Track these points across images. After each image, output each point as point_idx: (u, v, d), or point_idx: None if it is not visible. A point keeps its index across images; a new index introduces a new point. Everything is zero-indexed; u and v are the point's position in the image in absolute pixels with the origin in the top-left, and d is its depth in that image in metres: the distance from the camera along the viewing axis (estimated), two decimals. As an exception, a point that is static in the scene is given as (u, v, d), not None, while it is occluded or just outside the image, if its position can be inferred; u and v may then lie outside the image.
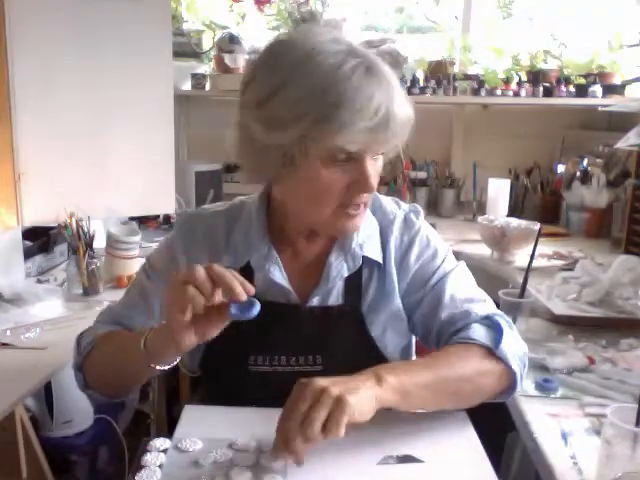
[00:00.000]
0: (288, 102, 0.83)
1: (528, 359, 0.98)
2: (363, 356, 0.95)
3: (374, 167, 0.89)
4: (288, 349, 0.99)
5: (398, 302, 1.02)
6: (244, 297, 0.78)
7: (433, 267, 1.03)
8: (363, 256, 1.00)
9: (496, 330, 0.93)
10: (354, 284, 1.01)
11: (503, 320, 0.97)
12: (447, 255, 1.05)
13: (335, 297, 1.01)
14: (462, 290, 1.02)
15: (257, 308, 0.79)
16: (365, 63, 0.85)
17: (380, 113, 0.83)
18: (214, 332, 0.81)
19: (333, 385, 0.74)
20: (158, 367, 0.86)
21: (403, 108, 0.86)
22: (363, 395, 0.76)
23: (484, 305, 1.01)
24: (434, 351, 0.95)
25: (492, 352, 0.89)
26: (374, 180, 0.88)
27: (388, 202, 1.08)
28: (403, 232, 1.04)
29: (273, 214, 1.01)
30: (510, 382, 0.91)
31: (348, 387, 0.75)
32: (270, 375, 0.98)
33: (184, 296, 0.76)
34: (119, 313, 1.06)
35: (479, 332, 0.93)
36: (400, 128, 0.86)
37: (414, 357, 1.10)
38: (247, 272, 0.97)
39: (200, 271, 0.77)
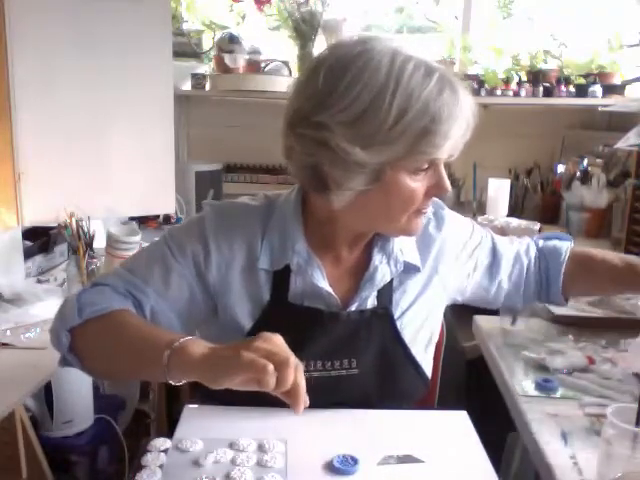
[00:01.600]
0: (387, 120, 0.81)
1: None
2: (395, 356, 1.00)
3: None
4: (325, 354, 0.97)
5: (434, 302, 1.06)
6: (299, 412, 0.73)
7: (483, 242, 1.14)
8: (404, 261, 1.01)
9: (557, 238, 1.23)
10: (386, 287, 1.01)
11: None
12: (475, 225, 1.17)
13: (370, 300, 1.00)
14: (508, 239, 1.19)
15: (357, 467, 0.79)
16: (443, 74, 0.87)
17: (468, 123, 0.89)
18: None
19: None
20: (172, 382, 0.77)
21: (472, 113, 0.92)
22: None
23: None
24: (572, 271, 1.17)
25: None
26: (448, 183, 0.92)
27: None
28: (438, 231, 1.08)
29: (310, 218, 0.97)
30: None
31: None
32: (306, 381, 0.97)
33: (265, 375, 0.69)
34: (134, 284, 0.94)
35: (560, 244, 1.21)
36: (470, 133, 0.93)
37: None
38: (283, 276, 0.96)
39: (290, 372, 0.71)
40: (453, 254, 1.08)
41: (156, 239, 1.01)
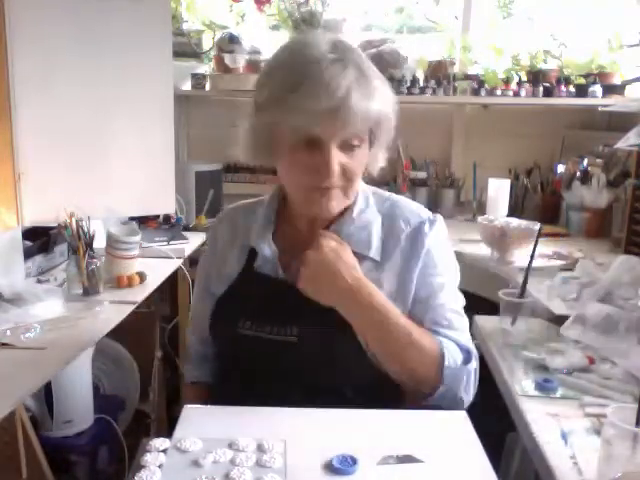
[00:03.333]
0: (264, 89, 0.98)
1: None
2: (335, 330, 1.00)
3: (344, 157, 0.96)
4: (271, 318, 1.04)
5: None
6: None
7: (432, 281, 1.06)
8: (353, 251, 1.02)
9: (465, 362, 1.02)
10: None
11: (475, 363, 1.04)
12: (450, 274, 1.09)
13: None
14: (450, 308, 1.07)
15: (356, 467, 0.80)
16: (335, 56, 0.93)
17: (338, 95, 0.90)
18: None
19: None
20: None
21: (371, 97, 0.94)
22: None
23: (462, 330, 1.07)
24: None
25: (441, 368, 0.98)
26: (335, 167, 0.95)
27: (410, 209, 1.11)
28: (412, 242, 1.07)
29: (283, 201, 1.13)
30: (425, 395, 1.00)
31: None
32: (255, 340, 1.04)
33: None
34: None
35: (453, 349, 1.01)
36: (365, 115, 0.93)
37: None
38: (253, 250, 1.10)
39: None
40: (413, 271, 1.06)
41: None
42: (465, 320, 1.09)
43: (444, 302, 1.06)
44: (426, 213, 1.11)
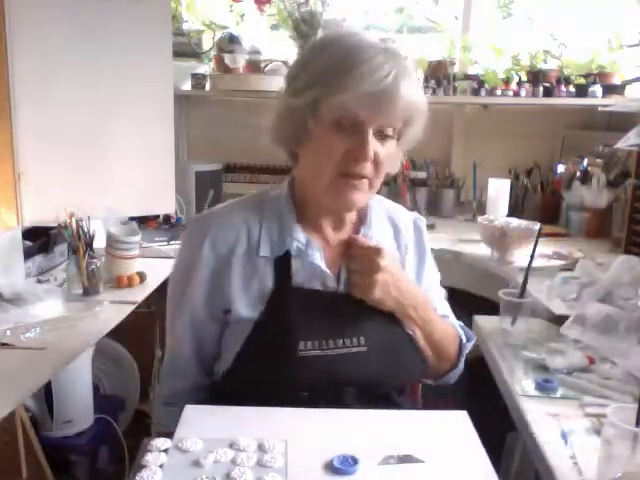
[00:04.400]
0: (309, 72, 0.96)
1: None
2: (394, 335, 1.04)
3: (379, 145, 0.95)
4: (333, 332, 1.00)
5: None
6: None
7: (432, 274, 1.18)
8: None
9: (468, 340, 1.16)
10: None
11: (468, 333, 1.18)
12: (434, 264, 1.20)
13: None
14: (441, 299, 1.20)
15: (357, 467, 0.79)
16: (383, 46, 0.95)
17: (387, 81, 0.90)
18: None
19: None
20: None
21: (413, 89, 0.95)
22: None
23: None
24: None
25: (461, 349, 1.13)
26: (372, 150, 0.94)
27: (399, 209, 1.17)
28: (417, 240, 1.15)
29: (299, 207, 1.05)
30: (447, 372, 1.14)
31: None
32: (321, 358, 0.99)
33: None
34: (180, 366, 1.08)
35: (460, 331, 1.16)
36: (406, 106, 0.93)
37: None
38: (284, 262, 1.01)
39: None
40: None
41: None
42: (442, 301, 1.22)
43: (440, 293, 1.20)
44: (412, 213, 1.19)
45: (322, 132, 0.95)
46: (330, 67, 0.93)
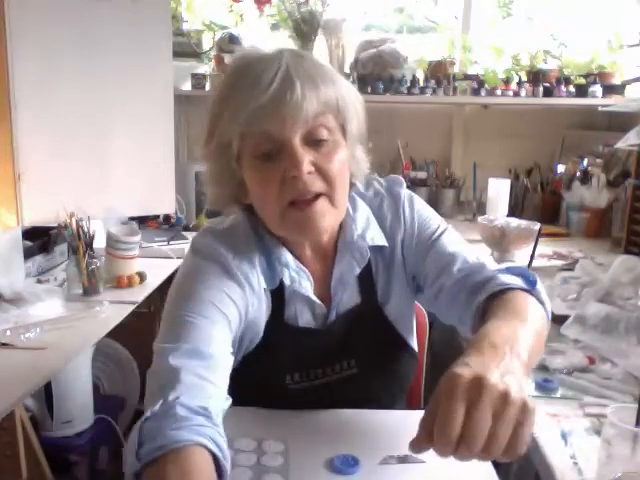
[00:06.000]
0: (208, 122, 0.88)
1: None
2: (389, 348, 1.00)
3: (315, 154, 0.83)
4: (323, 361, 0.97)
5: (404, 277, 1.02)
6: None
7: (431, 229, 1.00)
8: (369, 246, 0.96)
9: (522, 276, 0.90)
10: (366, 278, 0.99)
11: (521, 269, 0.93)
12: (435, 215, 1.04)
13: (351, 297, 0.99)
14: (464, 247, 0.99)
15: (357, 467, 0.80)
16: (269, 56, 0.84)
17: (272, 88, 0.80)
18: None
19: (507, 385, 0.63)
20: None
21: (318, 82, 0.82)
22: (526, 385, 0.67)
23: (492, 260, 0.99)
24: (488, 306, 0.85)
25: (533, 295, 0.88)
26: (306, 163, 0.81)
27: (368, 184, 1.03)
28: (394, 208, 1.01)
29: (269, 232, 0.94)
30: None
31: (520, 382, 0.65)
32: (311, 389, 0.96)
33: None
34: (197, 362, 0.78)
35: (511, 279, 0.88)
36: (313, 102, 0.81)
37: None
38: (278, 294, 0.94)
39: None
40: (413, 231, 1.01)
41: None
42: (470, 246, 1.01)
43: (466, 245, 0.99)
44: (382, 179, 1.06)
45: (250, 170, 0.85)
46: (218, 102, 0.85)
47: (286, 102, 0.80)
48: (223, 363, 0.81)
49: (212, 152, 0.88)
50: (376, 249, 0.99)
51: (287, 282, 0.93)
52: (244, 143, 0.84)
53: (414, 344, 1.08)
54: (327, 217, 0.86)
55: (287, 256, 0.93)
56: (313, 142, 0.84)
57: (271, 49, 0.87)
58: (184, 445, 0.66)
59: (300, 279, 0.93)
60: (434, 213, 1.05)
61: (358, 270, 0.97)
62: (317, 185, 0.83)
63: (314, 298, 0.95)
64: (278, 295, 0.94)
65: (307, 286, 0.94)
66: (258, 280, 0.91)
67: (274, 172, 0.83)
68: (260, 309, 0.93)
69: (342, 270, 0.96)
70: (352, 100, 0.88)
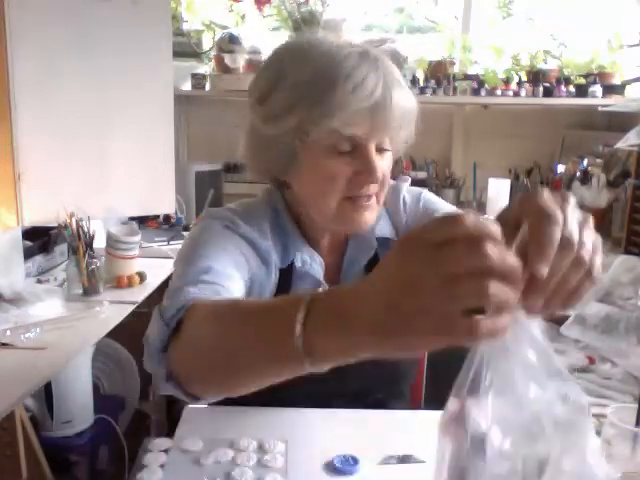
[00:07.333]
0: (285, 92, 0.86)
1: None
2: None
3: (380, 160, 0.89)
4: None
5: None
6: None
7: None
8: (377, 237, 1.00)
9: None
10: (372, 269, 0.99)
11: None
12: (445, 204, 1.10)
13: None
14: None
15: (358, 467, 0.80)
16: (359, 50, 0.86)
17: (376, 94, 0.83)
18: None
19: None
20: (314, 369, 0.58)
21: (403, 95, 0.87)
22: None
23: None
24: None
25: None
26: (380, 171, 0.87)
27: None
28: (414, 203, 1.06)
29: (294, 219, 0.99)
30: None
31: None
32: (309, 376, 0.96)
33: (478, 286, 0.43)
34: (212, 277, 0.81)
35: None
36: (400, 114, 0.86)
37: None
38: (287, 274, 0.96)
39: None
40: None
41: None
42: None
43: None
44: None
45: (318, 159, 0.87)
46: (309, 85, 0.84)
47: (381, 114, 0.84)
48: (237, 287, 0.84)
49: (271, 131, 0.88)
50: (383, 240, 1.02)
51: (298, 264, 0.96)
52: (320, 134, 0.85)
53: None
54: (374, 214, 0.94)
55: (301, 241, 0.97)
56: (379, 149, 0.89)
57: (355, 42, 0.88)
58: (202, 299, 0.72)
59: (312, 262, 0.97)
60: (438, 201, 1.10)
61: (365, 261, 1.01)
62: (374, 188, 0.90)
63: (323, 282, 0.98)
64: (287, 275, 0.97)
65: (319, 269, 0.98)
66: (270, 251, 0.94)
67: (345, 168, 0.87)
68: (269, 279, 0.95)
69: (352, 260, 1.01)
70: (414, 113, 0.91)
